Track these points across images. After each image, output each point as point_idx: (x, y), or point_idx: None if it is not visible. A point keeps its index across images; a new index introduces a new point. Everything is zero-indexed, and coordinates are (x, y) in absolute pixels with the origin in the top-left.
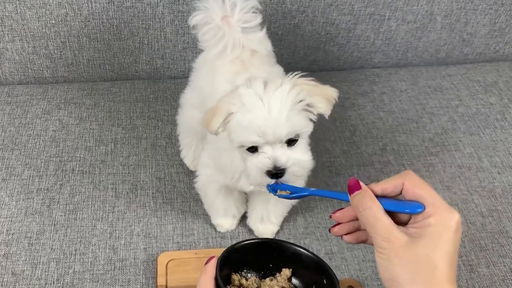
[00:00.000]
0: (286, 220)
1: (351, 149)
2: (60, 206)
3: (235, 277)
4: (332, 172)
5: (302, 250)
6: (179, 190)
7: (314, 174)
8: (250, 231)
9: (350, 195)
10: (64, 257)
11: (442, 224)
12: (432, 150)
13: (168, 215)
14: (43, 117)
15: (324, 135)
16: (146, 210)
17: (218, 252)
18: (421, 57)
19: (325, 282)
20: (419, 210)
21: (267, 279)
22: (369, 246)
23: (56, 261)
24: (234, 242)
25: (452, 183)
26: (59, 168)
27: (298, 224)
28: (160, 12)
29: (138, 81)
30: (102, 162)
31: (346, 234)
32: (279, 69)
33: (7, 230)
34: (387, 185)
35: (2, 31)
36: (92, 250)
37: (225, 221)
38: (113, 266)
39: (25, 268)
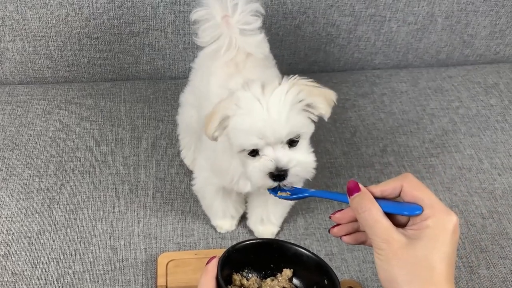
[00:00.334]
0: (286, 221)
1: (351, 150)
2: (60, 206)
3: (236, 277)
4: (332, 173)
5: (303, 250)
6: (179, 190)
7: (314, 175)
8: (251, 231)
9: (349, 197)
10: (64, 257)
11: (440, 226)
12: (433, 152)
13: (168, 216)
14: (44, 117)
15: (325, 136)
16: (146, 210)
17: (218, 252)
18: (422, 59)
19: (326, 283)
20: (417, 212)
21: (268, 279)
22: (369, 248)
23: (56, 261)
24: (234, 242)
25: (452, 184)
26: (59, 168)
27: (299, 225)
28: (161, 12)
29: (138, 81)
30: (102, 162)
31: (345, 235)
32: (274, 72)
33: (7, 230)
34: (386, 187)
35: (3, 31)
36: (92, 250)
37: (224, 222)
38: (113, 267)
39: (25, 268)
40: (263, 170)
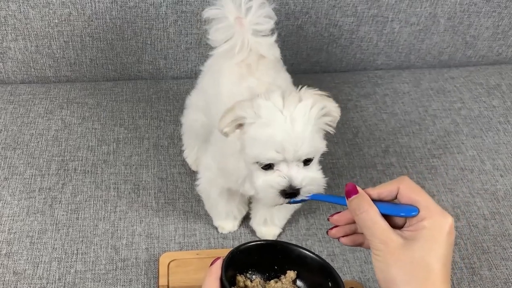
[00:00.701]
0: (288, 221)
1: (353, 151)
2: (62, 206)
3: (240, 279)
4: (335, 173)
5: (307, 252)
6: (181, 190)
7: None
8: (252, 232)
9: (347, 199)
10: (65, 256)
11: (436, 227)
12: (435, 153)
13: (170, 215)
14: (46, 116)
15: (326, 136)
16: (148, 210)
17: (220, 252)
18: (424, 60)
19: (330, 285)
20: (414, 213)
21: (272, 281)
22: (370, 248)
23: (58, 261)
24: (236, 243)
25: (454, 185)
26: (61, 168)
27: (300, 225)
28: (164, 12)
29: (140, 81)
30: (104, 162)
31: (343, 236)
32: (285, 76)
33: (8, 229)
34: (383, 190)
35: (5, 30)
36: (93, 249)
37: (226, 223)
38: (114, 266)
39: (27, 267)
40: (275, 187)
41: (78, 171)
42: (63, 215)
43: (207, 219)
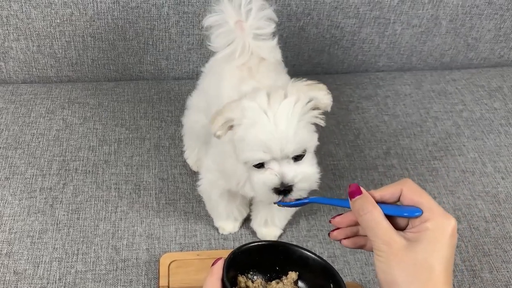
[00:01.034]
0: (289, 223)
1: (354, 152)
2: (63, 206)
3: (241, 279)
4: (336, 175)
5: (309, 253)
6: (182, 191)
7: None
8: (253, 233)
9: (351, 199)
10: (66, 256)
11: (439, 229)
12: (436, 155)
13: (170, 216)
14: (47, 116)
15: (328, 138)
16: (149, 210)
17: (221, 253)
18: (426, 61)
19: (331, 286)
20: (417, 214)
21: (273, 282)
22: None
23: (58, 261)
24: (236, 244)
25: (455, 187)
26: (62, 168)
27: (301, 227)
28: (165, 13)
29: (142, 81)
30: (105, 162)
31: (344, 239)
32: (286, 78)
33: (9, 229)
34: (386, 192)
35: (7, 29)
36: (94, 250)
37: (227, 224)
38: (115, 266)
39: (27, 267)
40: (267, 184)
41: (79, 171)
42: (64, 215)
43: (208, 220)
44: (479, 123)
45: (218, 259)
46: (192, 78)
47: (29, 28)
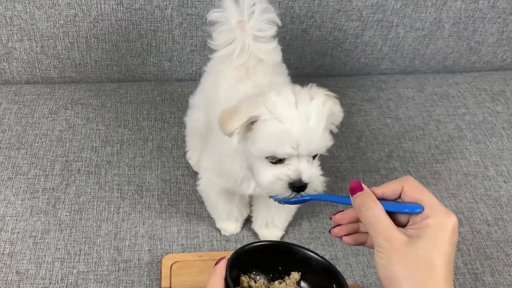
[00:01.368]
0: (291, 224)
1: (357, 155)
2: (65, 206)
3: (244, 279)
4: (338, 177)
5: (312, 254)
6: (184, 192)
7: None
8: (255, 234)
9: (352, 196)
10: (68, 257)
11: (440, 225)
12: (438, 158)
13: (173, 217)
14: (50, 117)
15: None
16: (151, 211)
17: (223, 255)
18: (428, 65)
19: (334, 287)
20: (418, 210)
21: (276, 282)
22: (374, 253)
23: (61, 261)
24: (239, 245)
25: (457, 191)
26: (65, 168)
27: (303, 228)
28: (169, 14)
29: (145, 83)
30: (108, 163)
31: (345, 235)
32: (283, 80)
33: (12, 229)
34: (387, 189)
35: (11, 30)
36: (96, 250)
37: (228, 225)
38: (117, 267)
39: (30, 267)
40: (285, 180)
41: (82, 172)
42: (66, 215)
43: (210, 221)
44: (481, 127)
45: (221, 258)
46: (195, 79)
47: (33, 29)
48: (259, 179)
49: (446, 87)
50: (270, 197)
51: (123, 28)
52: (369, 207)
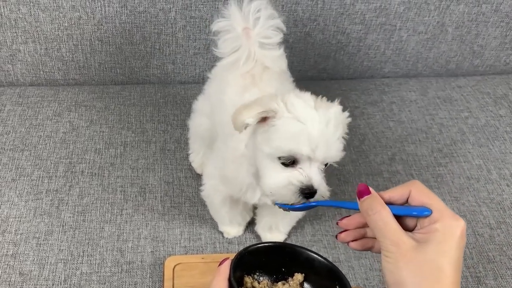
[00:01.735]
0: (293, 227)
1: (359, 158)
2: (69, 208)
3: (248, 280)
4: (341, 180)
5: (316, 255)
6: (187, 194)
7: None
8: (258, 237)
9: (359, 199)
10: (71, 258)
11: (448, 230)
12: (441, 161)
13: (175, 219)
14: (54, 118)
15: None
16: (154, 213)
17: (225, 257)
18: (431, 68)
19: None
20: (426, 213)
21: (279, 283)
22: (376, 255)
23: (64, 262)
24: (241, 247)
25: (460, 194)
26: (68, 170)
27: (306, 231)
28: (173, 17)
29: (148, 85)
30: (111, 165)
31: (352, 241)
32: (289, 87)
33: (15, 230)
34: (394, 193)
35: (16, 32)
36: (99, 252)
37: (231, 228)
38: (120, 269)
39: (33, 268)
40: (295, 184)
41: (85, 174)
42: (69, 217)
43: (213, 223)
44: (484, 130)
45: (225, 259)
46: (198, 82)
47: (37, 31)
48: (267, 181)
49: (449, 90)
50: (276, 204)
51: (127, 31)
52: (377, 211)
